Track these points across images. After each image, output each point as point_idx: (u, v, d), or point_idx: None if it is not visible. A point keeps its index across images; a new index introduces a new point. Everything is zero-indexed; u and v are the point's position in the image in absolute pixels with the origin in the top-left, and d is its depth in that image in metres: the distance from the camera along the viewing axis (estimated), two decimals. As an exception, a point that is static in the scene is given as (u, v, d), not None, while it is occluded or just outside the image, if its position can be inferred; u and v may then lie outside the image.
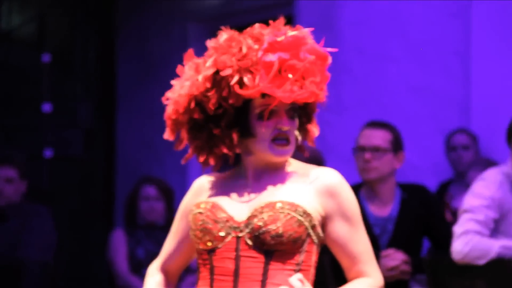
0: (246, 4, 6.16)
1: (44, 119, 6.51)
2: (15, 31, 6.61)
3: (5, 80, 6.48)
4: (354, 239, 2.23)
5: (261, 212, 2.20)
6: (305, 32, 2.23)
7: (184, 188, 2.52)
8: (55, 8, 6.65)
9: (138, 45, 6.70)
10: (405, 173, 4.56)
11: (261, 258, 2.19)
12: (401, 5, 5.38)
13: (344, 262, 2.25)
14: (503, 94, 4.99)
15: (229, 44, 2.21)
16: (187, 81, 2.25)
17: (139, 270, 4.93)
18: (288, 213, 2.19)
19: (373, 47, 5.46)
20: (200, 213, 2.25)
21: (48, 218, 5.03)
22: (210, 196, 2.29)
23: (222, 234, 2.22)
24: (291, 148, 2.25)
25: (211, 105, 2.20)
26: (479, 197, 3.61)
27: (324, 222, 2.24)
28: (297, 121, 2.26)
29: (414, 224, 3.97)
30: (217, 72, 2.20)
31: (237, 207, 2.24)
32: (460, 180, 4.97)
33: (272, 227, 2.18)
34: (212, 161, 2.29)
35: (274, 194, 2.23)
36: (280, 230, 2.18)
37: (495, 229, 3.61)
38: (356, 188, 3.94)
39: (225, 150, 2.27)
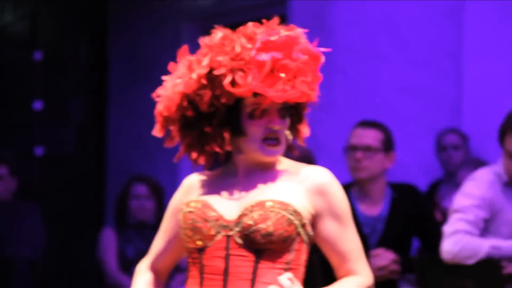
0: (238, 3, 6.16)
1: (35, 117, 6.50)
2: (7, 29, 6.59)
3: (-4, 77, 6.47)
4: (343, 238, 2.23)
5: (251, 211, 2.20)
6: (298, 32, 2.23)
7: (175, 186, 2.51)
8: (48, 6, 6.64)
9: (131, 44, 6.70)
10: (396, 173, 4.57)
11: (251, 257, 2.19)
12: (393, 5, 5.39)
13: (333, 260, 2.26)
14: (494, 94, 5.01)
15: (222, 43, 2.22)
16: (180, 79, 2.25)
17: (129, 268, 4.92)
18: (278, 212, 2.19)
19: (366, 47, 5.47)
20: (190, 212, 2.25)
21: (38, 216, 5.02)
22: (200, 194, 2.28)
23: (212, 233, 2.22)
24: (281, 148, 2.25)
25: (204, 104, 2.20)
26: (469, 197, 3.62)
27: (314, 220, 2.24)
28: (288, 121, 2.26)
29: (404, 223, 3.98)
30: (210, 71, 2.21)
31: (227, 206, 2.24)
32: (450, 180, 4.98)
33: (262, 226, 2.18)
34: (203, 159, 2.29)
35: (264, 192, 2.23)
36: (270, 229, 2.18)
37: (485, 229, 3.62)
38: (347, 187, 3.95)
39: (216, 148, 2.27)
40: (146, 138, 6.19)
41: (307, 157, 4.01)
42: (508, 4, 4.99)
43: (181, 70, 2.26)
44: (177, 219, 2.30)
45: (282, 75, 2.19)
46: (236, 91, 2.19)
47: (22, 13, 6.61)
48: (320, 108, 2.33)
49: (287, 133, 2.27)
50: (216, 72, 2.19)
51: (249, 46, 2.19)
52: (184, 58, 2.27)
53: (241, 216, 2.21)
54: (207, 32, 2.30)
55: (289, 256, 2.21)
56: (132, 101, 6.57)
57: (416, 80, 5.32)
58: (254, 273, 2.19)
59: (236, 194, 2.25)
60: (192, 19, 6.45)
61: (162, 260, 2.36)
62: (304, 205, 2.22)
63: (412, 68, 5.33)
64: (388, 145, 4.01)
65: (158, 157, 6.27)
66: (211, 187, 2.29)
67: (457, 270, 3.57)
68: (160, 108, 2.27)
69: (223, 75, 2.19)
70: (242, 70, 2.19)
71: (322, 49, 2.24)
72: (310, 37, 2.26)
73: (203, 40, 2.26)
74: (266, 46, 2.19)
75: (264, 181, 2.25)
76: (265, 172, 2.26)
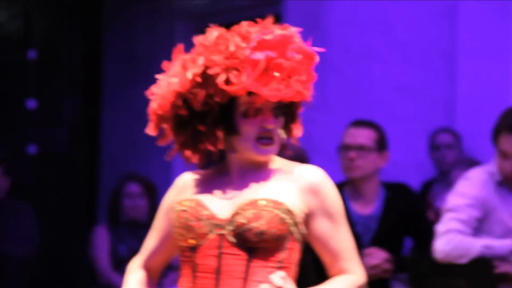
0: (233, 3, 6.16)
1: (29, 116, 6.49)
2: (1, 27, 6.58)
3: (-10, 75, 6.46)
4: (336, 236, 2.23)
5: (244, 210, 2.20)
6: (293, 31, 2.23)
7: (168, 185, 2.51)
8: (42, 5, 6.63)
9: (125, 43, 6.69)
10: (389, 172, 4.58)
11: (243, 255, 2.19)
12: (388, 5, 5.40)
13: (326, 259, 2.26)
14: (488, 94, 5.02)
15: (217, 42, 2.22)
16: (174, 77, 2.25)
17: (122, 267, 4.91)
18: (271, 211, 2.19)
19: (360, 47, 5.48)
20: (183, 210, 2.25)
21: (31, 214, 5.02)
22: (194, 193, 2.28)
23: (205, 231, 2.22)
24: (275, 147, 2.26)
25: (198, 102, 2.20)
26: (463, 196, 3.63)
27: (307, 219, 2.24)
28: (282, 120, 2.27)
29: (397, 223, 3.99)
30: (204, 70, 2.21)
31: (220, 205, 2.24)
32: (443, 179, 4.99)
33: (255, 224, 2.19)
34: (196, 158, 2.29)
35: (257, 191, 2.23)
36: (263, 228, 2.18)
37: (478, 228, 3.63)
38: (340, 187, 3.95)
39: (209, 147, 2.27)
40: (140, 137, 6.18)
41: (300, 156, 4.01)
42: (502, 4, 5.00)
43: (176, 69, 2.26)
44: (169, 218, 2.30)
45: (277, 74, 2.19)
46: (230, 89, 2.19)
47: (16, 12, 6.60)
48: (314, 107, 2.33)
49: (281, 132, 2.27)
50: (210, 71, 2.19)
51: (244, 45, 2.20)
52: (179, 57, 2.27)
53: (234, 215, 2.21)
54: (201, 31, 2.30)
55: (281, 255, 2.21)
56: (126, 100, 6.57)
57: (410, 79, 5.33)
58: (247, 271, 2.19)
59: (229, 193, 2.25)
60: (187, 18, 6.45)
61: (154, 258, 2.36)
62: (297, 204, 2.23)
63: (406, 67, 5.34)
64: (381, 145, 4.01)
65: (152, 156, 6.27)
66: (204, 186, 2.29)
67: (449, 269, 3.58)
68: (154, 106, 2.27)
69: (218, 74, 2.19)
70: (236, 69, 2.19)
71: (316, 49, 2.24)
72: (305, 37, 2.26)
73: (198, 39, 2.26)
74: (261, 45, 2.19)
75: (257, 180, 2.25)
76: (258, 171, 2.27)
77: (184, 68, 2.24)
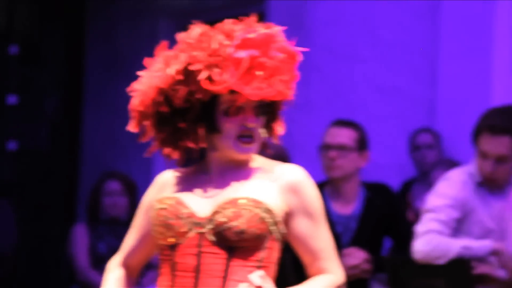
0: (216, 1, 6.16)
1: (9, 112, 6.45)
2: (-17, 22, 6.54)
3: (-30, 71, 6.41)
4: (315, 236, 2.23)
5: (224, 208, 2.20)
6: (276, 30, 2.23)
7: (148, 183, 2.51)
8: (24, 0, 6.59)
9: (107, 40, 6.66)
10: (370, 172, 4.59)
11: (223, 254, 2.19)
12: (370, 5, 5.41)
13: (305, 258, 2.26)
14: (469, 95, 5.04)
15: (200, 39, 2.21)
16: (155, 73, 2.24)
17: (101, 265, 4.89)
18: (251, 210, 2.19)
19: (342, 47, 5.48)
20: (163, 208, 2.24)
21: (10, 211, 4.98)
22: (174, 191, 2.28)
23: (184, 230, 2.21)
24: (256, 145, 2.25)
25: (179, 99, 2.20)
26: (442, 196, 3.64)
27: (287, 218, 2.24)
28: (263, 119, 2.26)
29: (377, 223, 4.00)
30: (186, 66, 2.20)
31: (200, 203, 2.23)
32: (424, 179, 5.01)
33: (235, 223, 2.18)
34: (176, 155, 2.28)
35: (237, 190, 2.23)
36: (243, 227, 2.18)
37: (457, 229, 3.64)
38: (320, 186, 3.95)
39: (190, 145, 2.26)
40: (121, 134, 6.16)
41: (281, 155, 4.00)
42: (483, 5, 5.03)
43: (158, 65, 2.25)
44: (149, 216, 2.29)
45: (259, 73, 2.18)
46: (212, 87, 2.18)
47: (-2, 7, 6.56)
48: (295, 106, 2.33)
49: (262, 131, 2.27)
50: (192, 68, 2.19)
51: (227, 43, 2.19)
52: (162, 53, 2.26)
53: (214, 213, 2.21)
54: (184, 28, 2.29)
55: (261, 254, 2.21)
56: (108, 97, 6.54)
57: (391, 80, 5.35)
58: (226, 270, 2.19)
59: (210, 191, 2.25)
60: (170, 15, 6.43)
61: (133, 256, 2.35)
62: (277, 203, 2.22)
63: (388, 68, 5.36)
64: (362, 145, 4.02)
65: (132, 154, 6.25)
66: (184, 184, 2.28)
67: (428, 269, 3.59)
68: (135, 102, 2.27)
69: (200, 71, 2.18)
70: (219, 66, 2.18)
71: (300, 48, 2.24)
72: (288, 36, 2.26)
73: (181, 36, 2.25)
74: (244, 44, 2.19)
75: (238, 178, 2.25)
76: (238, 170, 2.26)
77: (167, 64, 2.23)
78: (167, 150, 2.28)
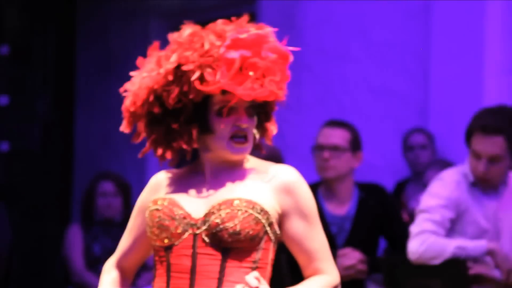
0: (208, 1, 6.15)
1: (0, 112, 6.42)
2: (-27, 23, 6.52)
3: (-39, 71, 6.39)
4: (310, 237, 2.23)
5: (219, 209, 2.20)
6: (268, 30, 2.23)
7: (142, 184, 2.50)
8: (15, 0, 6.57)
9: (99, 40, 6.65)
10: (363, 173, 4.59)
11: (218, 255, 2.19)
12: (362, 5, 5.41)
13: (300, 259, 2.26)
14: (461, 95, 5.05)
15: (191, 39, 2.21)
16: (148, 74, 2.23)
17: (95, 266, 4.89)
18: (246, 211, 2.19)
19: (334, 47, 5.49)
20: (157, 209, 2.24)
21: (3, 212, 4.96)
22: (168, 192, 2.27)
23: (179, 231, 2.20)
24: (249, 146, 2.25)
25: (171, 100, 2.19)
26: (436, 197, 3.64)
27: (281, 219, 2.24)
28: (256, 119, 2.26)
29: (371, 223, 4.00)
30: (178, 67, 2.20)
31: (195, 204, 2.23)
32: (417, 179, 5.01)
33: (229, 224, 2.18)
34: (169, 156, 2.28)
35: (231, 191, 2.22)
36: (238, 228, 2.18)
37: (452, 229, 3.64)
38: (314, 187, 3.95)
39: (183, 145, 2.26)
40: (114, 135, 6.15)
41: (274, 156, 4.00)
42: (475, 5, 5.03)
43: (150, 66, 2.25)
44: (143, 217, 2.29)
45: (251, 73, 2.18)
46: (204, 88, 2.18)
47: (-12, 7, 6.54)
48: (288, 107, 2.33)
49: (255, 131, 2.27)
50: (184, 68, 2.18)
51: (218, 43, 2.19)
52: (154, 53, 2.26)
53: (208, 214, 2.20)
54: (176, 29, 2.29)
55: (256, 255, 2.21)
56: (100, 98, 6.53)
57: (383, 80, 5.35)
58: (221, 271, 2.18)
59: (204, 192, 2.24)
60: (161, 15, 6.43)
61: (128, 258, 2.34)
62: (271, 204, 2.22)
63: (379, 68, 5.36)
64: (355, 145, 4.02)
65: (126, 155, 6.24)
66: (178, 185, 2.28)
67: (424, 270, 3.59)
68: (127, 103, 2.26)
69: (191, 71, 2.18)
70: (210, 67, 2.18)
71: (291, 48, 2.24)
72: (279, 36, 2.26)
73: (172, 36, 2.25)
74: (236, 44, 2.19)
75: (232, 179, 2.24)
76: (232, 171, 2.26)
77: (158, 64, 2.23)
78: (160, 151, 2.28)
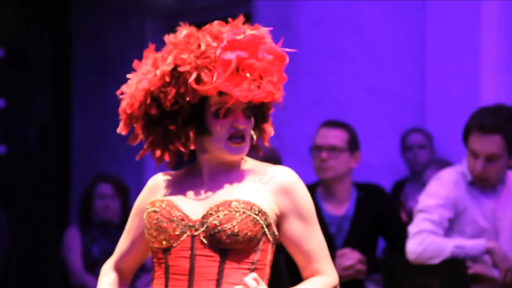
0: (203, 2, 6.15)
1: (-3, 115, 6.42)
2: (-32, 25, 6.51)
3: (-43, 75, 6.38)
4: (309, 237, 2.23)
5: (217, 211, 2.19)
6: (264, 31, 2.23)
7: (140, 186, 2.51)
8: (10, 3, 6.56)
9: (95, 41, 6.65)
10: (361, 173, 4.59)
11: (216, 257, 2.18)
12: (358, 5, 5.42)
13: (299, 260, 2.26)
14: (458, 94, 5.05)
15: (187, 41, 2.21)
16: (144, 76, 2.23)
17: (94, 268, 4.89)
18: (244, 212, 2.18)
19: (330, 47, 5.49)
20: (155, 211, 2.24)
21: (1, 215, 4.96)
22: (165, 194, 2.27)
23: (177, 232, 2.20)
24: (246, 146, 2.25)
25: (168, 101, 2.19)
26: (434, 196, 3.64)
27: (279, 220, 2.24)
28: (253, 120, 2.26)
29: (370, 223, 4.00)
30: (175, 68, 2.19)
31: (192, 206, 2.23)
32: (416, 179, 5.01)
33: (227, 226, 2.18)
34: (166, 157, 2.28)
35: (229, 192, 2.22)
36: (236, 229, 2.17)
37: (450, 228, 3.64)
38: (312, 187, 3.95)
39: (180, 147, 2.26)
40: (111, 137, 6.15)
41: (272, 157, 4.00)
42: (470, 4, 5.04)
43: (146, 67, 2.24)
44: (141, 219, 2.28)
45: (247, 74, 2.18)
46: (201, 89, 2.18)
47: (-16, 10, 6.53)
48: (285, 108, 2.32)
49: (252, 133, 2.26)
50: (181, 69, 2.18)
51: (215, 44, 2.19)
52: (150, 55, 2.26)
53: (206, 216, 2.20)
54: (172, 30, 2.29)
55: (254, 256, 2.20)
56: (97, 99, 6.53)
57: (380, 80, 5.35)
58: (220, 273, 2.18)
59: (201, 193, 2.24)
60: (157, 17, 6.42)
61: (127, 260, 2.34)
62: (269, 205, 2.22)
63: (376, 68, 5.36)
64: (353, 145, 4.02)
65: (123, 156, 6.24)
66: (176, 187, 2.28)
67: (423, 269, 3.59)
68: (123, 105, 2.26)
69: (188, 73, 2.18)
70: (207, 68, 2.18)
71: (287, 49, 2.24)
72: (275, 37, 2.26)
73: (168, 38, 2.25)
74: (232, 45, 2.18)
75: (229, 181, 2.24)
76: (230, 172, 2.26)
77: (155, 66, 2.23)
78: (157, 153, 2.27)
